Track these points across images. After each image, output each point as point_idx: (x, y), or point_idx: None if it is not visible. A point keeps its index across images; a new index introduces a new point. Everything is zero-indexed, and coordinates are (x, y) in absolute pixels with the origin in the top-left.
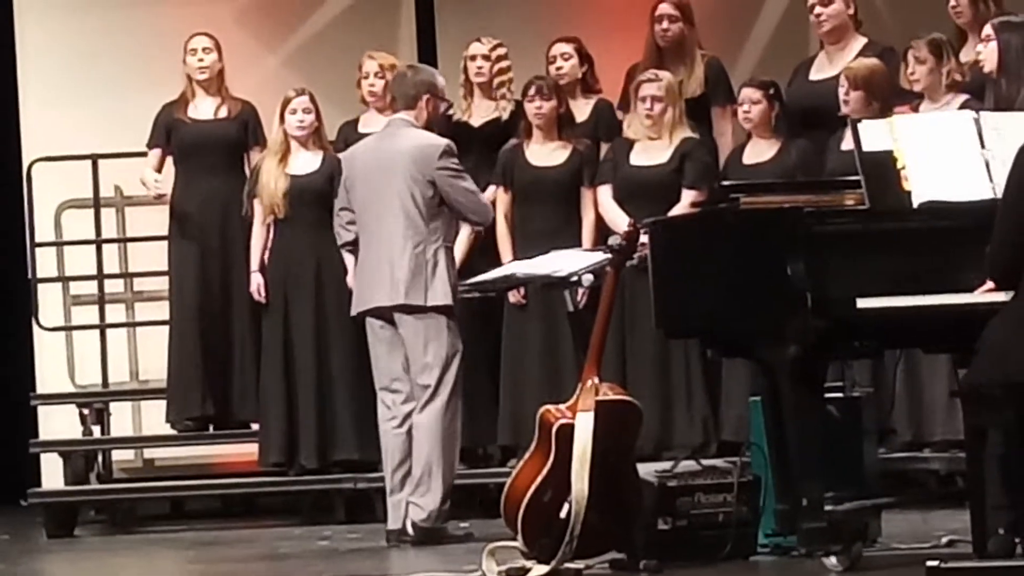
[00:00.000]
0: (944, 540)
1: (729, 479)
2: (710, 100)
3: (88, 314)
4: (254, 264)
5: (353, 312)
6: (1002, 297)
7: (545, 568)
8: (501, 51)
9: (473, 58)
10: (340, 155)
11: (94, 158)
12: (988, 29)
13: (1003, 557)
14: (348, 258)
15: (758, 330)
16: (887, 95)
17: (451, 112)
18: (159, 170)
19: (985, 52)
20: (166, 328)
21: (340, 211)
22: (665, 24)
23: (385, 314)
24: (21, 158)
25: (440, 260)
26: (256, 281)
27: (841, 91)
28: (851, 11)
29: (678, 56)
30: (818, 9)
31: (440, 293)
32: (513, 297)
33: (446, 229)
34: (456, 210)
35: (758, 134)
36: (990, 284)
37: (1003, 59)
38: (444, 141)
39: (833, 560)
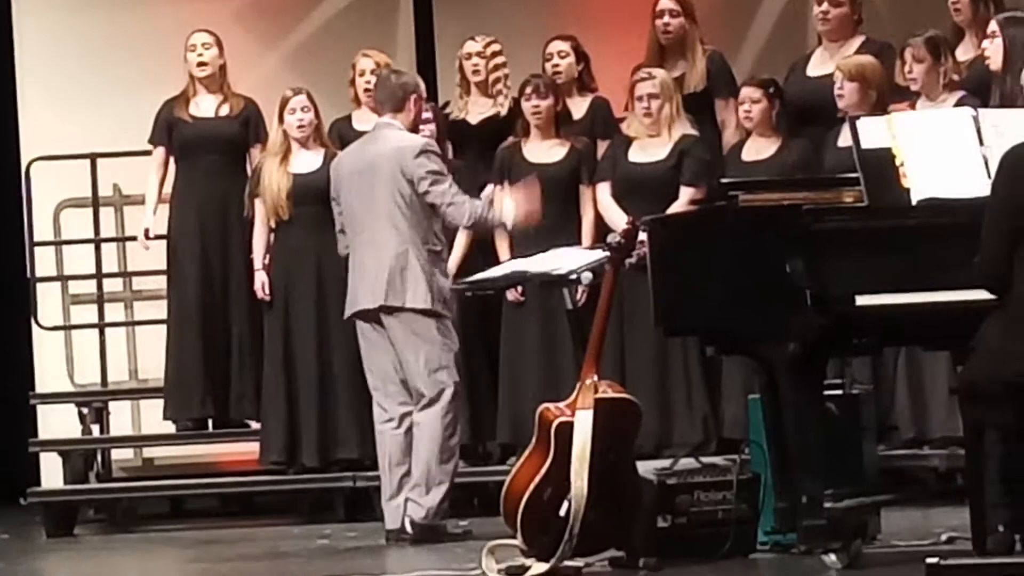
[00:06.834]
0: (944, 537)
1: (728, 477)
2: (713, 94)
3: (87, 313)
4: (257, 263)
5: (345, 315)
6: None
7: (544, 566)
8: (495, 48)
9: (468, 56)
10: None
11: (93, 157)
12: (993, 25)
13: (1003, 554)
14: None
15: (757, 328)
16: (882, 85)
17: (448, 111)
18: (164, 167)
19: (990, 48)
20: (165, 327)
21: (337, 217)
22: (666, 19)
23: (372, 316)
24: (20, 157)
25: (421, 262)
26: (260, 279)
27: (836, 86)
28: (856, 16)
29: (680, 51)
30: (825, 6)
31: (420, 296)
32: (511, 295)
33: (431, 231)
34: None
35: (759, 132)
36: None
37: (1008, 55)
38: (422, 140)
39: (833, 557)
